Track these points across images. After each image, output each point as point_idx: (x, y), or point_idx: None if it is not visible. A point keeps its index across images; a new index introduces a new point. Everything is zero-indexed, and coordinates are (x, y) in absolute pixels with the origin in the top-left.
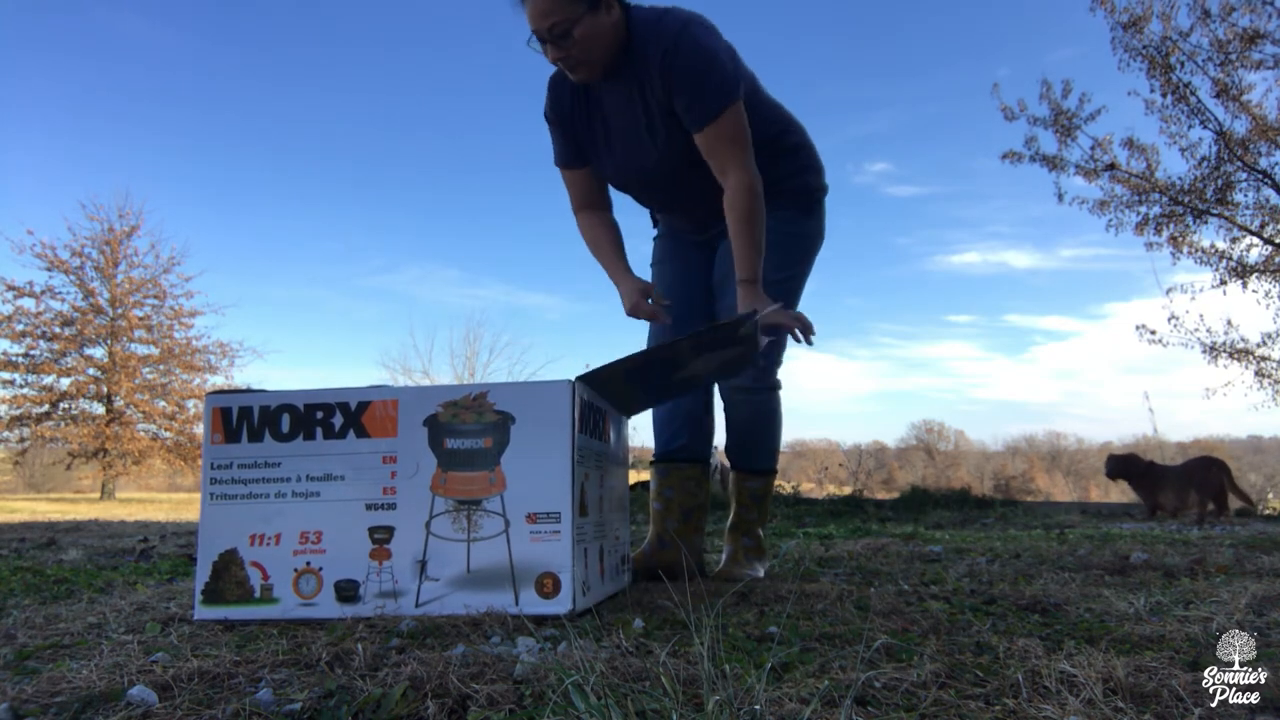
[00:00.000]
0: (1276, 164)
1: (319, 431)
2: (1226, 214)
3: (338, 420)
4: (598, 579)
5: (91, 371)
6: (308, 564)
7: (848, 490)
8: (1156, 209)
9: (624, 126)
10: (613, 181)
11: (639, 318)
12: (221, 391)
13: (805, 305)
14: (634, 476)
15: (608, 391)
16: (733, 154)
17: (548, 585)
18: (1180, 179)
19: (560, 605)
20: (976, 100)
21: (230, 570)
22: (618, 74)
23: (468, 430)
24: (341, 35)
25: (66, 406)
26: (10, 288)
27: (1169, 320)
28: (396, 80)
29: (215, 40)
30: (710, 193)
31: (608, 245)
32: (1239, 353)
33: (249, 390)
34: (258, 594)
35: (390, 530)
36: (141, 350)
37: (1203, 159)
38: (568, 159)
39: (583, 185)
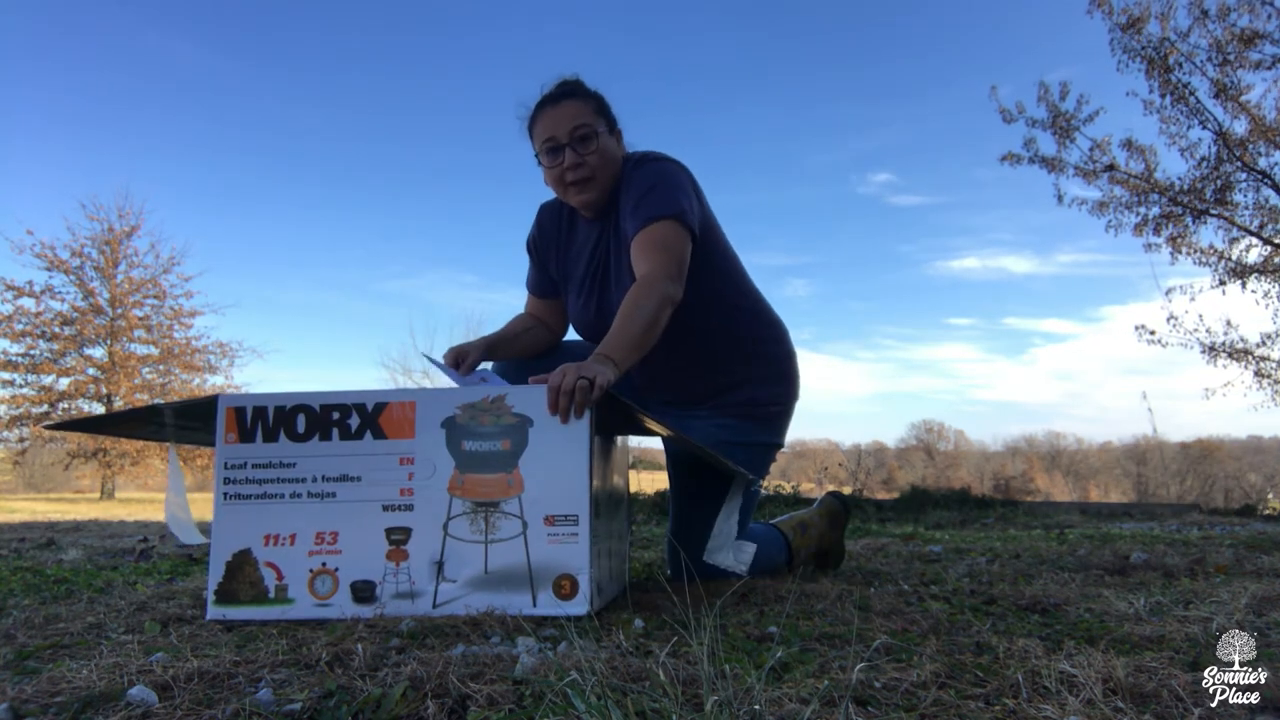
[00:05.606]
0: (1276, 164)
1: (335, 432)
2: (1226, 214)
3: (354, 421)
4: (608, 580)
5: (91, 371)
6: (323, 565)
7: (848, 490)
8: (1156, 210)
9: (583, 272)
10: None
11: (441, 359)
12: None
13: (810, 310)
14: (633, 476)
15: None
16: (654, 257)
17: (565, 587)
18: (1179, 179)
19: (578, 606)
20: (977, 115)
21: (244, 570)
22: (605, 215)
23: (486, 432)
24: (349, 36)
25: (66, 406)
26: (10, 288)
27: (1168, 321)
28: (409, 87)
29: (216, 41)
30: (673, 369)
31: (516, 331)
32: (1238, 353)
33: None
34: (272, 594)
35: (407, 531)
36: (141, 350)
37: (1202, 159)
38: (538, 289)
39: (543, 311)
